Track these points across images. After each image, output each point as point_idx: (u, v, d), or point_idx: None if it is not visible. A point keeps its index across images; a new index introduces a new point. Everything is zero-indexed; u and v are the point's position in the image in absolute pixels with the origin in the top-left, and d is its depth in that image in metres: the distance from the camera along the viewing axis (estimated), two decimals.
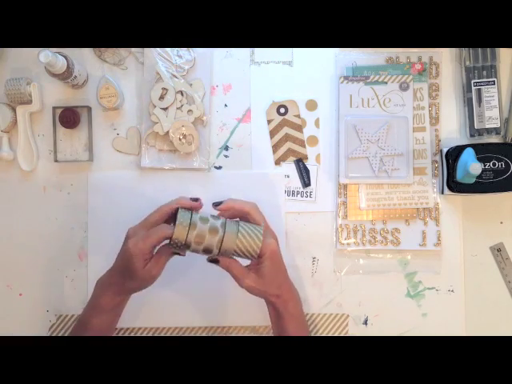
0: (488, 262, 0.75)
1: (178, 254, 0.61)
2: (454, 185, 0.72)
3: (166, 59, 0.74)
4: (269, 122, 0.75)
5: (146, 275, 0.60)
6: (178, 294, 0.75)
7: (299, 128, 0.74)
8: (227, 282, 0.74)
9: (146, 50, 0.74)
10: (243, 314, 0.75)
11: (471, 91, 0.74)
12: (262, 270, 0.61)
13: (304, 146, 0.75)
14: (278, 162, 0.75)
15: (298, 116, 0.74)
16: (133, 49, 0.75)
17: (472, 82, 0.74)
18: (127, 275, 0.60)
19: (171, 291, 0.75)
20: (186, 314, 0.75)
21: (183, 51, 0.74)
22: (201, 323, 0.75)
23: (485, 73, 0.74)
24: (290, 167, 0.75)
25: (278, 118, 0.74)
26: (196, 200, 0.62)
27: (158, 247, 0.61)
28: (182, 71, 0.74)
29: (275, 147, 0.75)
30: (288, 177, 0.75)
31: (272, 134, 0.75)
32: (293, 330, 0.63)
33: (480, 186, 0.72)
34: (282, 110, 0.74)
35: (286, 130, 0.75)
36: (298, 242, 0.75)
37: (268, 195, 0.75)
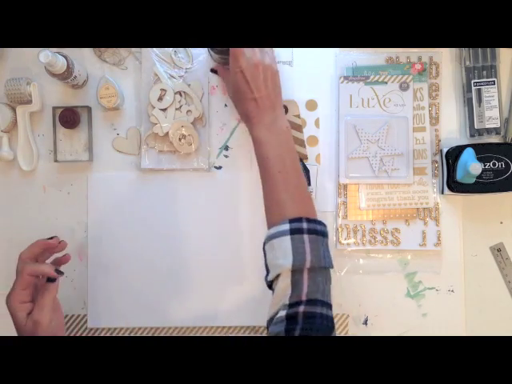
0: (488, 262, 0.75)
1: (56, 275, 0.61)
2: (454, 185, 0.72)
3: (164, 60, 0.74)
4: None
5: (33, 327, 0.59)
6: (178, 294, 0.75)
7: (299, 128, 0.74)
8: (227, 282, 0.75)
9: (144, 51, 0.74)
10: (243, 314, 0.75)
11: (471, 91, 0.74)
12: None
13: (304, 146, 0.75)
14: None
15: (298, 116, 0.74)
16: (133, 49, 0.75)
17: (472, 81, 0.74)
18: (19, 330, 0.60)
19: (170, 291, 0.75)
20: (185, 314, 0.75)
21: (181, 52, 0.74)
22: (200, 323, 0.75)
23: (485, 73, 0.74)
24: None
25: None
26: (51, 238, 0.64)
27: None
28: (181, 72, 0.74)
29: None
30: None
31: None
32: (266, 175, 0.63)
33: (480, 186, 0.72)
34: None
35: None
36: None
37: None
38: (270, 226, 0.61)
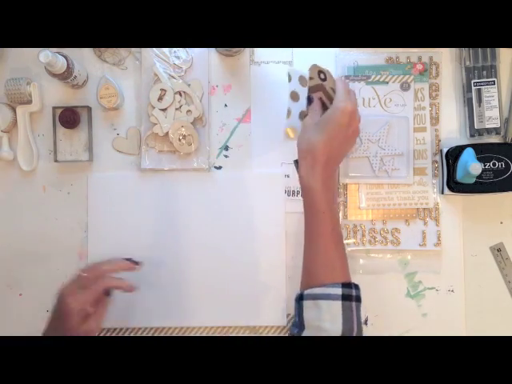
0: (488, 262, 0.75)
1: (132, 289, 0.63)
2: (454, 185, 0.72)
3: (164, 60, 0.74)
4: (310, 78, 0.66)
5: (82, 328, 0.59)
6: (178, 294, 0.75)
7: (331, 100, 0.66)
8: (228, 282, 0.75)
9: (144, 51, 0.74)
10: (243, 314, 0.75)
11: (471, 91, 0.74)
12: (324, 115, 0.61)
13: None
14: None
15: (333, 90, 0.65)
16: (133, 49, 0.75)
17: (472, 81, 0.74)
18: (61, 328, 0.59)
19: (171, 291, 0.75)
20: (186, 314, 0.75)
21: (180, 52, 0.74)
22: (200, 323, 0.75)
23: (485, 73, 0.74)
24: (290, 167, 0.75)
25: (318, 81, 0.66)
26: (128, 259, 0.65)
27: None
28: (180, 72, 0.74)
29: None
30: (288, 176, 0.75)
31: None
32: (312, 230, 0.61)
33: (480, 186, 0.72)
34: (322, 76, 0.65)
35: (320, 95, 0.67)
36: (298, 242, 0.75)
37: (268, 195, 0.75)
38: (314, 283, 0.58)
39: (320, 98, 0.65)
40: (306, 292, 0.58)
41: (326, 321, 0.56)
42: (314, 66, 0.63)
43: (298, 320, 0.59)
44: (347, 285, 0.58)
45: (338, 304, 0.56)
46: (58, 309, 0.60)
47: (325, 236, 0.60)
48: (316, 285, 0.58)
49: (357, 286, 0.59)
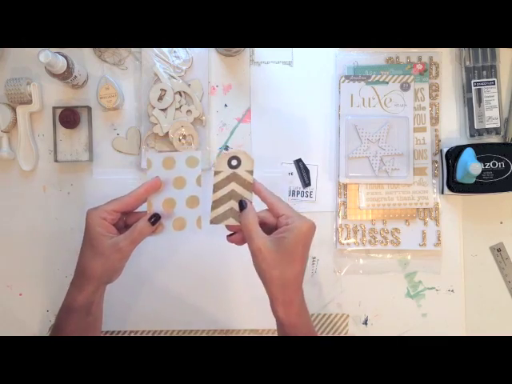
0: (488, 262, 0.75)
1: (156, 221, 0.57)
2: (454, 185, 0.72)
3: (164, 60, 0.74)
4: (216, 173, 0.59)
5: (111, 249, 0.55)
6: (178, 295, 0.75)
7: (249, 187, 0.59)
8: (228, 284, 0.75)
9: (144, 51, 0.74)
10: (245, 317, 0.74)
11: (471, 91, 0.74)
12: (282, 241, 0.53)
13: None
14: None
15: (251, 172, 0.60)
16: (133, 49, 0.75)
17: (472, 82, 0.74)
18: (89, 256, 0.56)
19: (170, 292, 0.75)
20: (187, 316, 0.75)
21: (180, 52, 0.74)
22: (202, 326, 0.75)
23: (485, 73, 0.74)
24: (290, 167, 0.75)
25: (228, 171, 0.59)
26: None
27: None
28: (180, 72, 0.74)
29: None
30: (291, 174, 0.75)
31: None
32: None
33: (480, 186, 0.72)
34: (234, 163, 0.59)
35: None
36: None
37: None
38: None
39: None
40: None
41: None
42: (223, 155, 0.58)
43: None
44: None
45: None
46: (85, 231, 0.57)
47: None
48: None
49: None
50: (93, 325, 0.60)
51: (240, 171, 0.59)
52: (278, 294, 0.54)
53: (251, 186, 0.59)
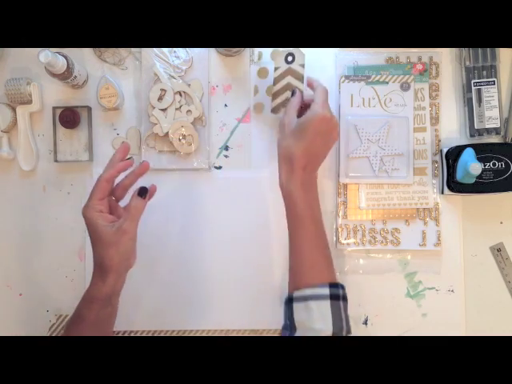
0: (488, 262, 0.75)
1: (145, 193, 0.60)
2: (454, 185, 0.72)
3: (164, 60, 0.74)
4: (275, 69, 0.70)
5: (117, 234, 0.58)
6: (178, 295, 0.75)
7: (301, 78, 0.69)
8: (228, 284, 0.75)
9: (144, 51, 0.74)
10: (245, 317, 0.74)
11: (471, 91, 0.74)
12: (299, 121, 0.62)
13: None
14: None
15: (303, 66, 0.69)
16: (133, 49, 0.75)
17: (472, 81, 0.74)
18: (101, 248, 0.58)
19: (170, 292, 0.75)
20: (187, 316, 0.75)
21: (180, 52, 0.74)
22: (202, 326, 0.75)
23: (485, 73, 0.74)
24: None
25: (285, 66, 0.69)
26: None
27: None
28: (180, 72, 0.74)
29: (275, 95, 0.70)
30: None
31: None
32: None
33: (480, 186, 0.72)
34: (290, 58, 0.69)
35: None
36: None
37: (268, 195, 0.75)
38: (302, 284, 0.59)
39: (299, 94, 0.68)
40: (296, 294, 0.59)
41: (316, 321, 0.57)
42: (277, 53, 0.68)
43: (289, 322, 0.59)
44: (334, 285, 0.59)
45: (327, 304, 0.57)
46: (88, 230, 0.60)
47: (308, 238, 0.61)
48: (303, 286, 0.59)
49: (343, 286, 0.60)
50: (110, 316, 0.63)
51: (294, 66, 0.69)
52: (282, 164, 0.63)
53: (303, 78, 0.69)
